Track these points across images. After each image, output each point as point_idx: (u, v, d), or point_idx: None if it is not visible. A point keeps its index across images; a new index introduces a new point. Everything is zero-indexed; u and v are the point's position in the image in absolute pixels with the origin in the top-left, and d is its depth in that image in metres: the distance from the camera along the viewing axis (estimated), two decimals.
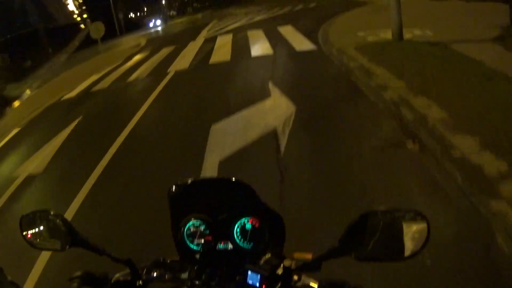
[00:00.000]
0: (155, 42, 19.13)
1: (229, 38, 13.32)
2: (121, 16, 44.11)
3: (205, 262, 0.99)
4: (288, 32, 11.73)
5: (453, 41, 6.69)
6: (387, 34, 8.51)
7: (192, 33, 18.73)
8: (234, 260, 0.97)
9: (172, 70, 9.54)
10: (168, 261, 1.00)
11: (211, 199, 1.00)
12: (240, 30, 15.34)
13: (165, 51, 13.62)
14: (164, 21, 41.66)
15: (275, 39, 10.75)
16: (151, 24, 43.61)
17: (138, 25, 47.10)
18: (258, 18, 19.87)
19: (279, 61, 8.05)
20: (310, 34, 10.48)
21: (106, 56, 17.50)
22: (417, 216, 0.77)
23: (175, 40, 17.06)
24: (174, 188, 1.01)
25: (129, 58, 14.49)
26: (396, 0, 7.42)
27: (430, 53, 6.32)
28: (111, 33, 39.38)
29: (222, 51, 10.80)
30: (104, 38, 18.97)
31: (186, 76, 8.78)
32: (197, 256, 1.01)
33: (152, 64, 11.49)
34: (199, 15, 42.76)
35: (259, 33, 12.70)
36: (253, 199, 0.96)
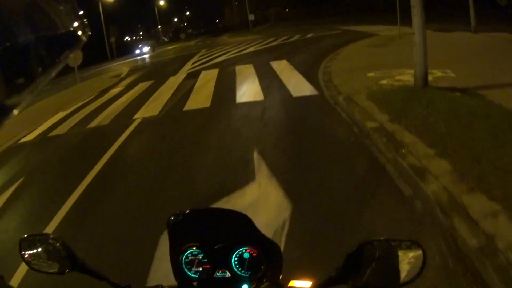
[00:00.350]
0: (136, 73, 17.85)
1: (214, 73, 11.68)
2: (112, 40, 43.02)
3: None
4: (283, 69, 10.11)
5: (482, 86, 5.75)
6: (405, 76, 7.07)
7: (176, 64, 17.35)
8: None
9: (139, 116, 7.73)
10: None
11: (209, 228, 0.99)
12: (228, 63, 13.82)
13: (140, 87, 12.03)
14: (153, 48, 39.76)
15: (267, 79, 9.09)
16: (137, 51, 41.63)
17: (132, 48, 45.76)
18: (250, 49, 18.46)
19: (270, 112, 6.24)
20: (309, 73, 8.91)
21: (81, 87, 16.28)
22: (413, 244, 0.78)
23: (156, 72, 15.71)
24: (173, 217, 0.99)
25: (102, 92, 13.16)
26: (422, 38, 5.77)
27: (466, 108, 4.78)
28: (101, 57, 38.09)
29: (203, 92, 9.04)
30: (93, 63, 17.58)
31: (151, 128, 6.94)
32: (195, 283, 1.00)
33: (122, 104, 9.76)
34: (192, 42, 41.79)
35: (249, 69, 11.08)
36: (251, 229, 0.94)
